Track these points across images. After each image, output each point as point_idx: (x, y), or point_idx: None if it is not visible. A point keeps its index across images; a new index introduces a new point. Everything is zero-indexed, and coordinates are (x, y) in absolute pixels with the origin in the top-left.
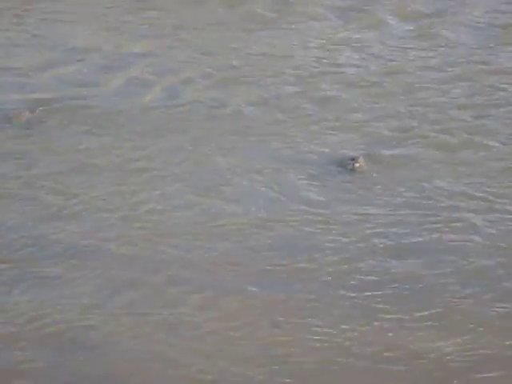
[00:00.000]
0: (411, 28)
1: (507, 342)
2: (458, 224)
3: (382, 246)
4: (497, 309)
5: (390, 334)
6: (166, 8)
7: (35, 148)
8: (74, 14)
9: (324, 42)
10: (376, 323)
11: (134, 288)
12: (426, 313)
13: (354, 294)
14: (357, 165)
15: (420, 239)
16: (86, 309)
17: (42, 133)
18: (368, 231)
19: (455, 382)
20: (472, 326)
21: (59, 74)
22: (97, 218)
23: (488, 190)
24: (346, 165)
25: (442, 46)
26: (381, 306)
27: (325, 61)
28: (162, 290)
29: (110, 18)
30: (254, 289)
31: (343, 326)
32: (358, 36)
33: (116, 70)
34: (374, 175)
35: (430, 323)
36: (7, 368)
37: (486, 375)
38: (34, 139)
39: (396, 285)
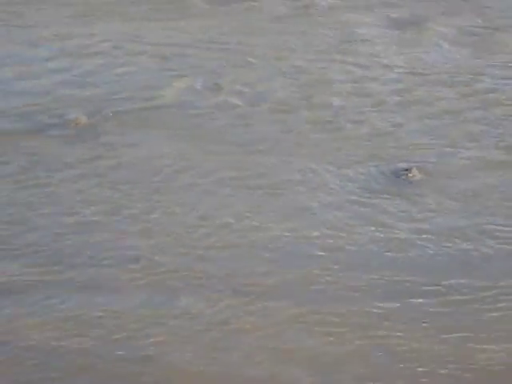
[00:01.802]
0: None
1: None
2: None
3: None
4: None
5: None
6: None
7: (93, 154)
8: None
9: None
10: (443, 335)
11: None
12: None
13: (412, 307)
14: (411, 175)
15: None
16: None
17: (99, 138)
18: (429, 244)
19: None
20: None
21: (118, 77)
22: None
23: None
24: (399, 175)
25: None
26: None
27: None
28: (219, 298)
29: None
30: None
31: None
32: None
33: (177, 72)
34: (429, 185)
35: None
36: (59, 370)
37: None
38: (90, 145)
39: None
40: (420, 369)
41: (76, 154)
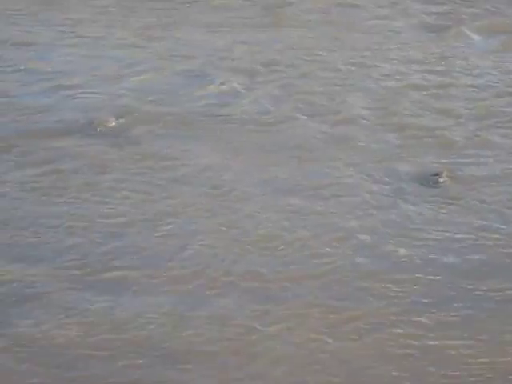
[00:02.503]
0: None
1: None
2: None
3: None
4: None
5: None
6: None
7: (121, 156)
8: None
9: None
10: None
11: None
12: None
13: (434, 309)
14: (441, 180)
15: None
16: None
17: (129, 140)
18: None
19: None
20: None
21: (146, 79)
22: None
23: None
24: (429, 180)
25: None
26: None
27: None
28: (250, 300)
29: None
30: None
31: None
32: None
33: (205, 76)
34: (458, 190)
35: None
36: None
37: None
38: (119, 147)
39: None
40: None
41: (105, 155)
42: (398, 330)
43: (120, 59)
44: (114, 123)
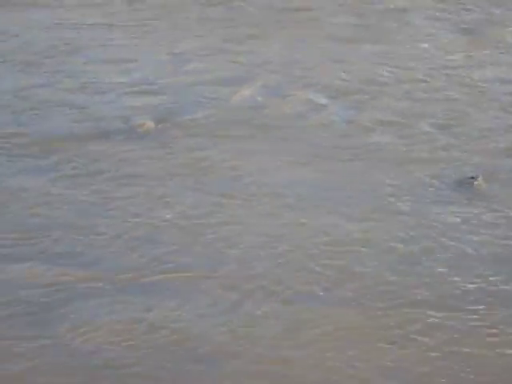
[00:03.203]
0: None
1: None
2: None
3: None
4: None
5: None
6: None
7: (159, 160)
8: None
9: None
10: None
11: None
12: None
13: (463, 313)
14: (476, 183)
15: None
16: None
17: (166, 144)
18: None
19: None
20: None
21: (185, 83)
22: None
23: None
24: (465, 183)
25: None
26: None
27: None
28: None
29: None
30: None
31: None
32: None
33: (246, 80)
34: (494, 194)
35: None
36: (123, 373)
37: None
38: (156, 151)
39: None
40: None
41: (141, 159)
42: None
43: (168, 63)
44: (154, 127)
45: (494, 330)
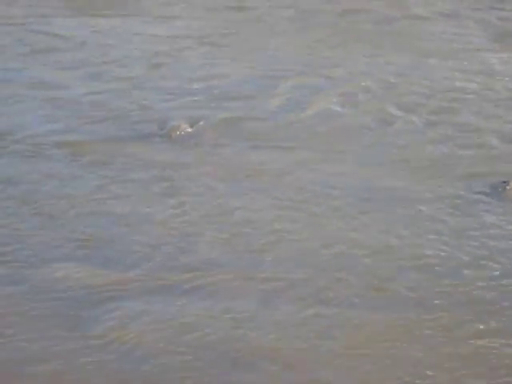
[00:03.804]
0: None
1: None
2: None
3: None
4: None
5: None
6: None
7: (194, 161)
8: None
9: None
10: None
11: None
12: None
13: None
14: (508, 187)
15: None
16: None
17: (201, 147)
18: None
19: None
20: None
21: (220, 85)
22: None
23: None
24: (497, 187)
25: None
26: None
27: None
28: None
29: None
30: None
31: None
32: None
33: (279, 82)
34: None
35: None
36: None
37: None
38: (192, 154)
39: None
40: None
41: (177, 161)
42: None
43: (200, 67)
44: (188, 129)
45: None
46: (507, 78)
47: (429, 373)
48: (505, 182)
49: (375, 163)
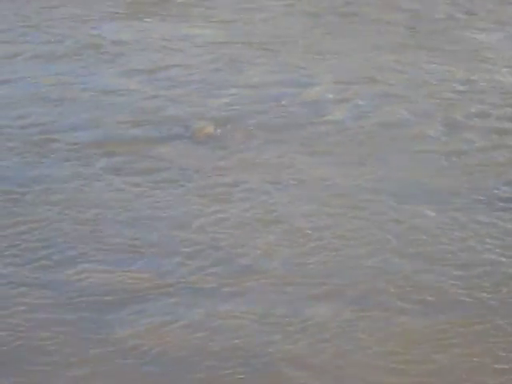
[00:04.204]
0: None
1: None
2: None
3: None
4: None
5: None
6: None
7: (220, 163)
8: None
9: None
10: None
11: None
12: None
13: None
14: None
15: None
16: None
17: (226, 148)
18: None
19: None
20: None
21: (251, 89)
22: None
23: None
24: None
25: None
26: None
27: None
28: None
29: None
30: None
31: None
32: None
33: (312, 84)
34: None
35: None
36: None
37: None
38: (216, 154)
39: None
40: None
41: (202, 163)
42: None
43: (231, 70)
44: (214, 131)
45: None
46: None
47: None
48: None
49: (426, 169)
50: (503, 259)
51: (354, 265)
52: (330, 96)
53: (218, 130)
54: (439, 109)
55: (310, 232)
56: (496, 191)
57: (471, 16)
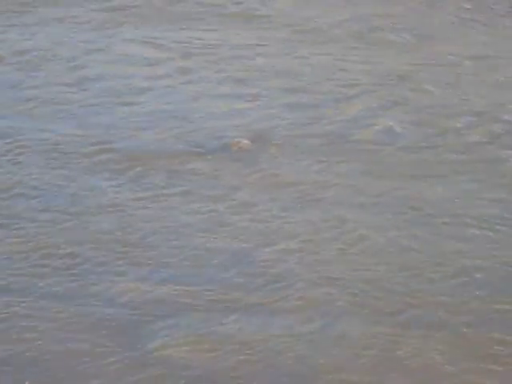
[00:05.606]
0: None
1: None
2: None
3: None
4: None
5: None
6: None
7: (255, 178)
8: None
9: None
10: None
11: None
12: None
13: None
14: None
15: None
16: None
17: (261, 163)
18: None
19: None
20: None
21: (284, 100)
22: None
23: None
24: None
25: None
26: None
27: None
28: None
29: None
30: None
31: None
32: None
33: (350, 96)
34: None
35: None
36: None
37: None
38: (251, 168)
39: None
40: None
41: (237, 177)
42: None
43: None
44: (248, 145)
45: None
46: None
47: None
48: None
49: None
50: None
51: (391, 279)
52: (369, 113)
53: (254, 145)
54: None
55: (351, 246)
56: None
57: None
